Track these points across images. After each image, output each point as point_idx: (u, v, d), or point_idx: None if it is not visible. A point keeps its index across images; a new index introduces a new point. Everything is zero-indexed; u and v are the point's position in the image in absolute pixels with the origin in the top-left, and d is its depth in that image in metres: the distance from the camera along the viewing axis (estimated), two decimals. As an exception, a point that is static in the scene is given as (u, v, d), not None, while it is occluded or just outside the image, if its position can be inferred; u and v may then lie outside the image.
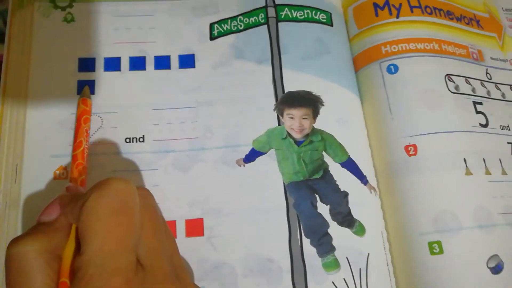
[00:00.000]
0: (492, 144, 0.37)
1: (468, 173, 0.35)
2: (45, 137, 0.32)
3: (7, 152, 0.31)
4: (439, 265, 0.32)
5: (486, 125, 0.38)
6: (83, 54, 0.35)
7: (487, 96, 0.40)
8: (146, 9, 0.37)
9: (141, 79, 0.35)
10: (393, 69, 0.37)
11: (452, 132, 0.36)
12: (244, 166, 0.34)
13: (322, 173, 0.34)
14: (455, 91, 0.38)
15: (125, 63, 0.35)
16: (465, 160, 0.35)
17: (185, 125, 0.34)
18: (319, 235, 0.32)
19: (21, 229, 0.30)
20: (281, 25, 0.38)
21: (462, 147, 0.36)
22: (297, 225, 0.32)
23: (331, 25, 0.39)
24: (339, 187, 0.34)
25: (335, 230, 0.32)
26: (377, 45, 0.39)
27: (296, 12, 0.38)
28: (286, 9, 0.38)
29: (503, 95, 0.41)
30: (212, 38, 0.37)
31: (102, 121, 0.33)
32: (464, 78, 0.39)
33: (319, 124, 0.35)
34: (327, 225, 0.32)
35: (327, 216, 0.33)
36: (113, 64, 0.35)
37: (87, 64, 0.35)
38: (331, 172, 0.34)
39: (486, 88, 0.40)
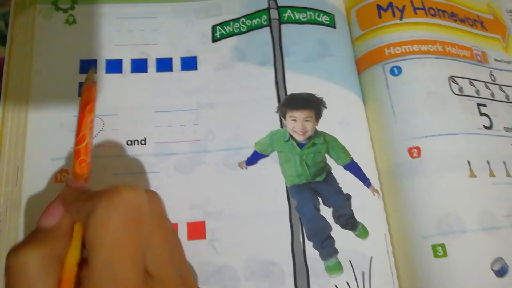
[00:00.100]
0: (496, 146, 0.37)
1: (472, 175, 0.35)
2: (46, 139, 0.32)
3: (8, 155, 0.31)
4: (443, 268, 0.32)
5: (490, 127, 0.38)
6: (85, 56, 0.35)
7: (491, 98, 0.39)
8: (148, 11, 0.37)
9: (143, 81, 0.35)
10: (396, 71, 0.37)
11: (456, 134, 0.36)
12: (246, 168, 0.33)
13: (325, 175, 0.34)
14: (459, 93, 0.37)
15: (126, 65, 0.35)
16: (469, 162, 0.35)
17: (187, 128, 0.34)
18: (322, 238, 0.32)
19: (22, 232, 0.30)
20: (283, 27, 0.38)
21: (466, 149, 0.35)
22: (300, 228, 0.32)
23: (334, 27, 0.39)
24: (342, 189, 0.33)
25: (338, 233, 0.32)
26: (380, 47, 0.38)
27: (298, 14, 0.38)
28: (289, 11, 0.38)
29: (507, 97, 0.41)
30: (215, 40, 0.37)
31: (103, 124, 0.33)
32: (468, 80, 0.39)
33: (321, 126, 0.35)
34: (330, 228, 0.32)
35: (330, 219, 0.33)
36: (114, 66, 0.35)
37: (89, 66, 0.35)
38: (334, 175, 0.34)
39: (490, 90, 0.40)
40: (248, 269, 0.31)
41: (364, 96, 0.38)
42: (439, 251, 0.32)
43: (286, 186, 0.33)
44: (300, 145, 0.34)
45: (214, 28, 0.38)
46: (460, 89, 0.38)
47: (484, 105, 0.38)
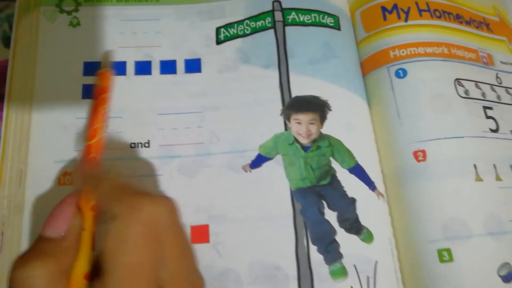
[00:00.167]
0: (502, 150, 0.37)
1: (478, 179, 0.34)
2: (50, 142, 0.32)
3: (12, 157, 0.31)
4: (448, 273, 0.32)
5: (496, 130, 0.37)
6: (89, 58, 0.35)
7: (497, 100, 0.39)
8: (152, 13, 0.37)
9: (147, 84, 0.35)
10: (401, 74, 0.37)
11: (462, 137, 0.35)
12: (250, 171, 0.33)
13: (329, 179, 0.34)
14: (464, 95, 0.37)
15: (130, 68, 0.35)
16: (475, 166, 0.35)
17: (190, 130, 0.34)
18: (327, 242, 0.32)
19: (26, 234, 0.30)
20: (288, 29, 0.37)
21: (472, 152, 0.35)
22: (304, 232, 0.32)
23: (339, 29, 0.39)
24: (347, 193, 0.33)
25: (343, 237, 0.32)
26: (385, 49, 0.38)
27: (303, 16, 0.38)
28: (293, 13, 0.38)
29: (513, 99, 0.40)
30: (219, 42, 0.37)
31: (107, 126, 0.33)
32: (474, 82, 0.38)
33: (326, 129, 0.35)
34: (334, 232, 0.32)
35: (335, 223, 0.32)
36: (118, 68, 0.35)
37: (92, 68, 0.34)
38: (338, 178, 0.34)
39: (496, 92, 0.40)
40: (252, 273, 0.31)
41: (369, 99, 0.38)
42: (444, 255, 0.32)
43: (291, 190, 0.33)
44: (305, 148, 0.34)
45: (218, 30, 0.37)
46: (466, 92, 0.37)
47: (490, 108, 0.38)
